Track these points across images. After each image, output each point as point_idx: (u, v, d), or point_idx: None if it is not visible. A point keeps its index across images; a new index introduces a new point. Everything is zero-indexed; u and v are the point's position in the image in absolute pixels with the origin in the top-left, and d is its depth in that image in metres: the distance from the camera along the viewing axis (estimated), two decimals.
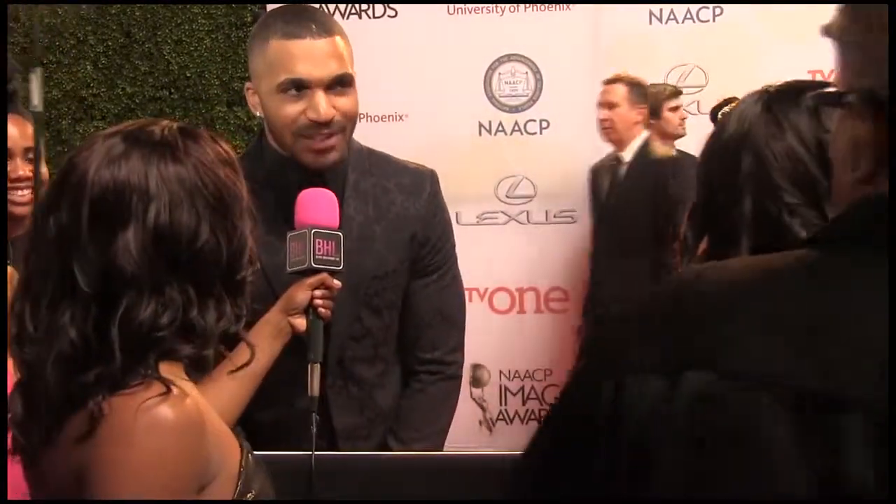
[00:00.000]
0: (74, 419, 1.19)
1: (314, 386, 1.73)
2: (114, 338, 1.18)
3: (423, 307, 2.06)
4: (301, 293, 1.76)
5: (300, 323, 1.76)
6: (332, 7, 4.67)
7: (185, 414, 1.18)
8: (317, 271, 1.76)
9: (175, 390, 1.19)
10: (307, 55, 1.88)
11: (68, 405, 1.19)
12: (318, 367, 1.74)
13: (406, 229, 2.03)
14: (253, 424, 1.86)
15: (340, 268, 1.78)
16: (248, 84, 2.01)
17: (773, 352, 0.80)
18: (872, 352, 0.78)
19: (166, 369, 1.23)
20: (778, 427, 0.78)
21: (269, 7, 5.87)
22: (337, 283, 1.79)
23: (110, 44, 6.33)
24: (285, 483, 1.42)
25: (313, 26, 1.89)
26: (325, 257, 1.76)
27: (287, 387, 1.81)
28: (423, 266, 2.06)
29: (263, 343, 1.68)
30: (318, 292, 1.77)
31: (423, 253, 2.06)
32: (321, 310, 1.77)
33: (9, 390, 1.38)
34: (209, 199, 1.26)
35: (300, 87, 1.89)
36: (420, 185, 2.06)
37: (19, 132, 2.37)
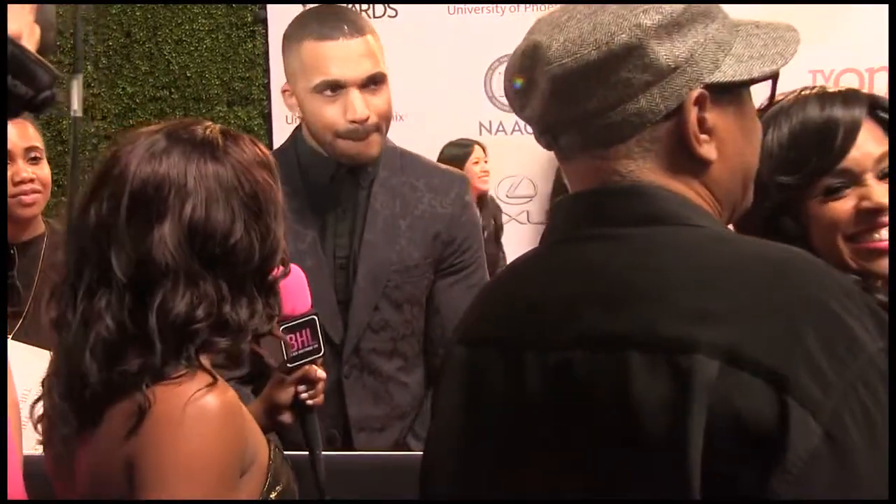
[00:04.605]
0: (116, 411, 1.21)
1: (319, 476, 1.62)
2: (153, 327, 1.22)
3: (449, 306, 2.08)
4: (283, 394, 1.62)
5: (287, 417, 1.64)
6: None
7: (229, 402, 1.22)
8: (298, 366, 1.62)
9: (219, 380, 1.23)
10: (341, 56, 1.92)
11: (109, 393, 1.22)
12: (321, 457, 1.63)
13: (431, 227, 2.06)
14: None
15: (321, 354, 1.63)
16: (283, 85, 2.05)
17: None
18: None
19: (203, 361, 1.27)
20: None
21: (270, 7, 5.89)
22: (322, 373, 1.65)
23: (111, 44, 6.32)
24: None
25: (345, 27, 1.93)
26: (300, 351, 1.61)
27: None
28: (449, 265, 2.09)
29: None
30: (301, 387, 1.63)
31: (448, 252, 2.09)
32: (309, 402, 1.63)
33: (9, 389, 1.38)
34: (245, 198, 1.29)
35: (335, 87, 1.94)
36: (449, 185, 2.10)
37: (19, 133, 2.33)
